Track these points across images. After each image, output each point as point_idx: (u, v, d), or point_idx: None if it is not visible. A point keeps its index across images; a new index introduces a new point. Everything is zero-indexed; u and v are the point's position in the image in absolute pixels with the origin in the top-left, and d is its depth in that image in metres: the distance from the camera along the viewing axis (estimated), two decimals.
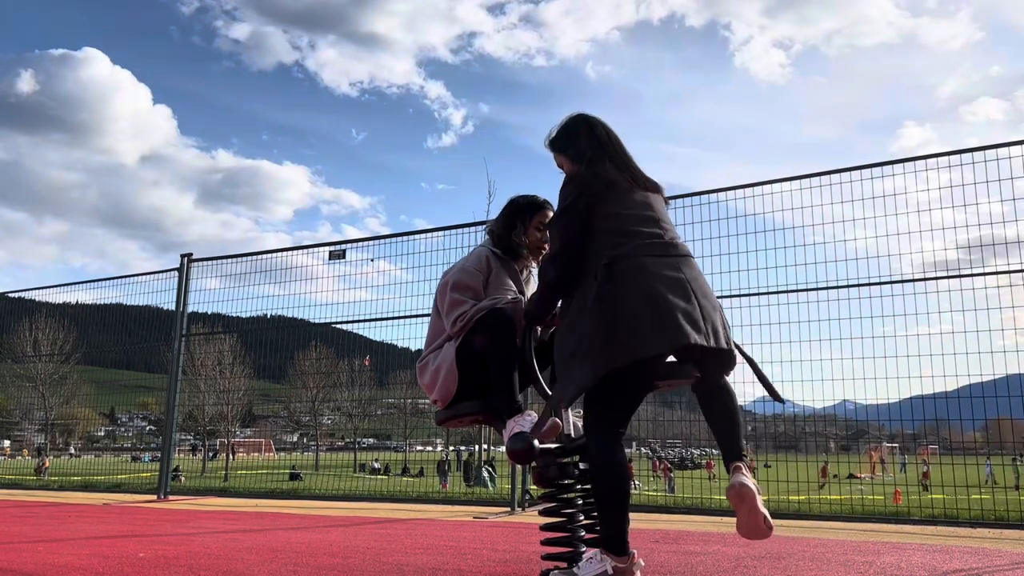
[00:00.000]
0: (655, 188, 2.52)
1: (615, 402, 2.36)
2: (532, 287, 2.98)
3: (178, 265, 8.07)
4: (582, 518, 2.59)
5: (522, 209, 2.91)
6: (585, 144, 2.53)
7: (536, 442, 2.46)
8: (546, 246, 2.88)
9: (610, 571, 2.30)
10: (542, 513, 2.62)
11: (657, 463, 26.74)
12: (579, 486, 2.64)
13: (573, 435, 2.64)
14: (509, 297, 2.78)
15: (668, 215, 2.53)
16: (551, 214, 2.91)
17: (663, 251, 2.32)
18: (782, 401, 2.55)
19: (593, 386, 2.26)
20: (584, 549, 2.55)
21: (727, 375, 2.47)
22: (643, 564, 2.42)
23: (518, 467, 5.96)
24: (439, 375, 2.67)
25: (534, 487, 6.46)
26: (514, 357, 2.57)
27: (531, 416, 2.50)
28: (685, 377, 2.43)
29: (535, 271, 3.06)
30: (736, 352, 2.44)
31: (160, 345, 8.61)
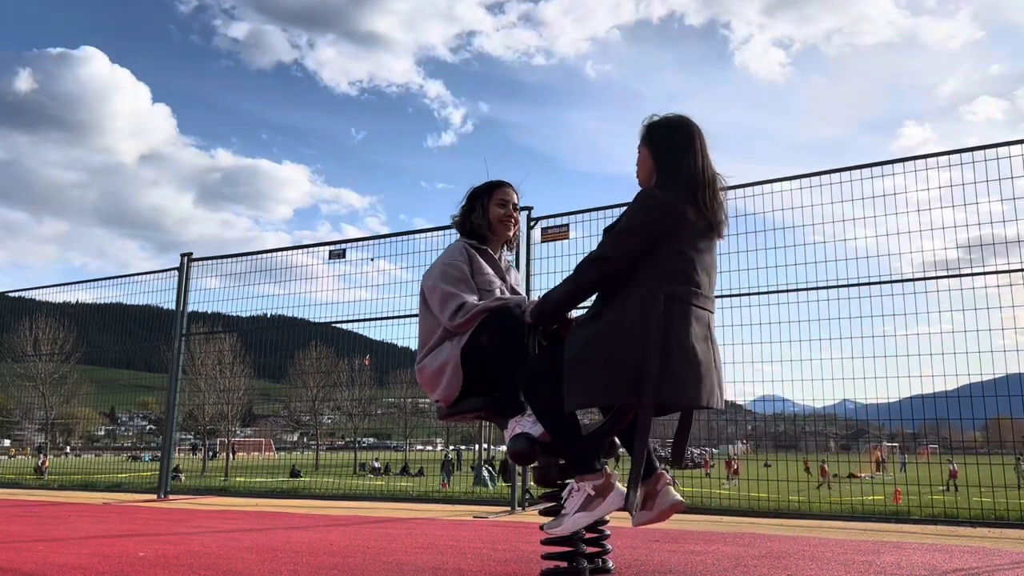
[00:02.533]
0: (721, 225, 2.41)
1: (604, 410, 2.44)
2: (512, 276, 3.00)
3: (178, 265, 8.08)
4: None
5: (479, 192, 2.95)
6: (680, 162, 2.39)
7: (538, 443, 2.47)
8: (509, 217, 2.92)
9: (592, 492, 2.38)
10: (543, 513, 2.62)
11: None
12: None
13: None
14: (500, 293, 2.80)
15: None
16: (510, 191, 2.95)
17: (705, 305, 2.35)
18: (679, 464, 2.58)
19: (612, 404, 2.30)
20: (584, 548, 2.55)
21: None
22: (618, 475, 2.48)
23: (519, 467, 5.96)
24: (443, 375, 2.66)
25: (534, 486, 6.46)
26: (519, 357, 2.56)
27: (532, 416, 2.50)
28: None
29: (513, 263, 3.08)
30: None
31: (160, 344, 8.61)
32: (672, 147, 2.42)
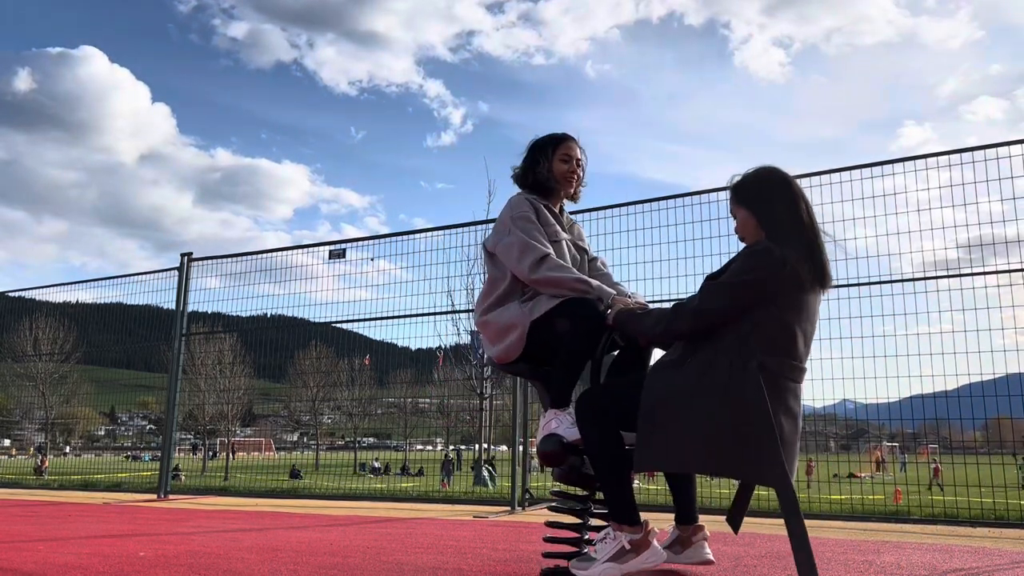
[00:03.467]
0: (828, 281, 2.30)
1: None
2: (575, 231, 2.94)
3: (178, 264, 8.08)
4: (590, 521, 2.59)
5: (543, 145, 2.86)
6: (783, 212, 2.27)
7: (567, 447, 2.44)
8: (573, 172, 2.83)
9: (627, 546, 2.27)
10: (551, 509, 2.61)
11: None
12: (595, 496, 2.63)
13: None
14: (566, 248, 2.74)
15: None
16: (574, 145, 2.86)
17: (798, 378, 2.25)
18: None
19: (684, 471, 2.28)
20: (586, 549, 2.55)
21: None
22: (657, 532, 2.41)
23: (518, 467, 5.96)
24: (507, 337, 2.61)
25: (534, 486, 6.46)
26: (588, 354, 2.53)
27: (571, 416, 2.47)
28: None
29: (579, 227, 3.01)
30: None
31: (160, 344, 8.61)
32: (764, 194, 2.32)
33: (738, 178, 2.40)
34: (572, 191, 2.90)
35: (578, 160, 2.87)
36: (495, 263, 2.75)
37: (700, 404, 2.16)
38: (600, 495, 2.63)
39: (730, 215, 2.43)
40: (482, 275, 2.85)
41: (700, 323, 2.24)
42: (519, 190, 2.90)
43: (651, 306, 2.58)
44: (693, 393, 2.19)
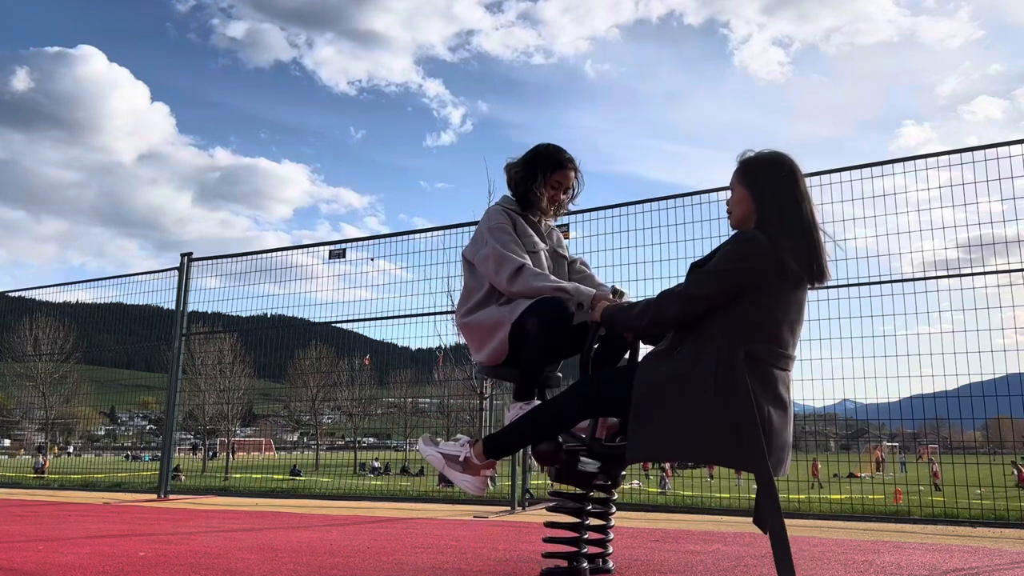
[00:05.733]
0: (822, 278, 2.26)
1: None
2: (555, 238, 2.99)
3: (178, 264, 8.08)
4: (589, 520, 2.59)
5: (544, 161, 2.85)
6: (784, 204, 2.23)
7: (563, 446, 2.47)
8: (557, 202, 2.87)
9: (462, 458, 2.53)
10: (549, 510, 2.61)
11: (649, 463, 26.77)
12: (593, 493, 2.63)
13: (603, 439, 2.60)
14: (543, 257, 2.80)
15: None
16: (570, 175, 2.87)
17: (786, 365, 2.25)
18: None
19: (672, 461, 2.26)
20: (586, 549, 2.55)
21: None
22: (494, 475, 2.69)
23: (518, 467, 5.96)
24: (491, 340, 2.67)
25: (533, 486, 6.46)
26: (551, 352, 2.60)
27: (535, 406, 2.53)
28: None
29: (556, 230, 3.06)
30: None
31: (160, 344, 8.61)
32: (769, 177, 2.26)
33: (750, 154, 2.34)
34: (551, 213, 2.95)
35: (567, 188, 2.91)
36: (473, 272, 2.80)
37: (689, 395, 2.17)
38: (596, 493, 2.64)
39: (729, 187, 2.38)
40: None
41: (687, 310, 2.22)
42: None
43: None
44: (682, 384, 2.19)
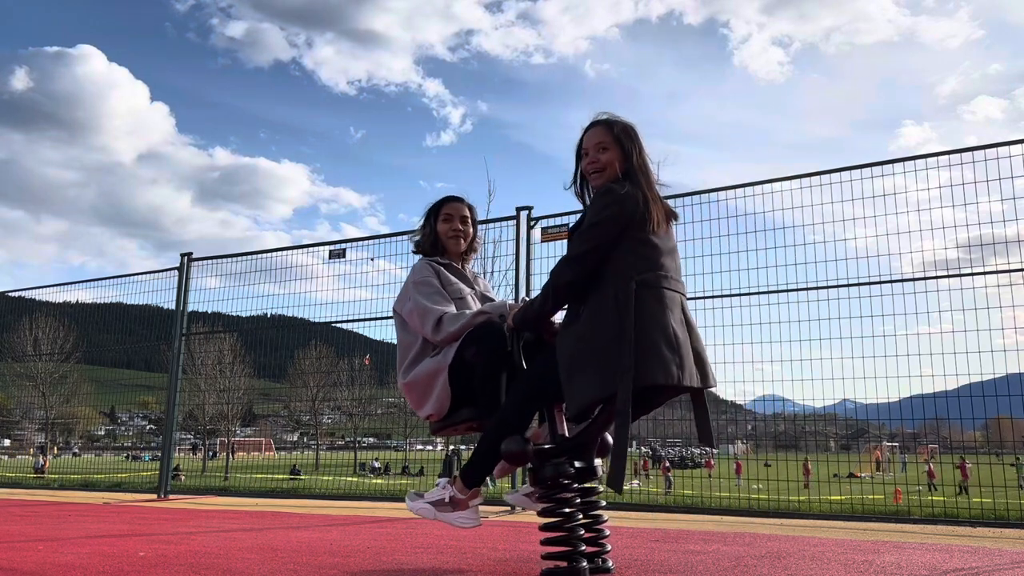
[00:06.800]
0: (674, 216, 2.61)
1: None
2: (481, 284, 3.09)
3: (178, 264, 8.08)
4: (580, 516, 2.59)
5: (430, 209, 3.07)
6: (640, 159, 2.57)
7: (531, 444, 2.51)
8: (456, 233, 3.00)
9: (447, 499, 2.63)
10: (540, 514, 2.62)
11: (648, 463, 26.80)
12: (575, 485, 2.64)
13: (568, 435, 2.65)
14: (471, 301, 2.89)
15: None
16: (455, 205, 3.04)
17: (676, 288, 2.46)
18: (711, 445, 2.63)
19: (604, 397, 2.33)
20: (583, 548, 2.55)
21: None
22: (481, 501, 2.72)
23: (518, 468, 5.95)
24: (432, 391, 2.74)
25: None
26: (503, 367, 2.65)
27: None
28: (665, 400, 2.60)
29: (482, 276, 3.21)
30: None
31: (160, 344, 8.61)
32: (632, 139, 2.59)
33: (607, 116, 2.64)
34: (463, 248, 3.05)
35: (463, 218, 3.03)
36: (404, 327, 2.90)
37: (598, 337, 2.35)
38: (586, 483, 2.66)
39: (587, 147, 2.61)
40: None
41: (579, 269, 2.44)
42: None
43: None
44: (592, 331, 2.38)
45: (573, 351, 2.40)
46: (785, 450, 7.45)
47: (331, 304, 7.69)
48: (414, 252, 3.10)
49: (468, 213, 3.05)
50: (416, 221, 3.17)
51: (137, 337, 9.84)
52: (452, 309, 2.78)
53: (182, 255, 8.08)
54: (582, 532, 2.57)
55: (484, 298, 3.04)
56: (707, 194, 5.77)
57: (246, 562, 3.06)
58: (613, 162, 2.57)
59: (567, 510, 2.56)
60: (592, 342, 2.36)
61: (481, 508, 2.76)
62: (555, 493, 2.56)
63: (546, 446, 2.59)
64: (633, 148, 2.57)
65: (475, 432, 2.95)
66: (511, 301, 2.88)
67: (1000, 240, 4.95)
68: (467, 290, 2.94)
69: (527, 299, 2.75)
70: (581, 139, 2.66)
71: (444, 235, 3.01)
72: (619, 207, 2.42)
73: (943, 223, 5.08)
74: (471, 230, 3.06)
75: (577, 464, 2.61)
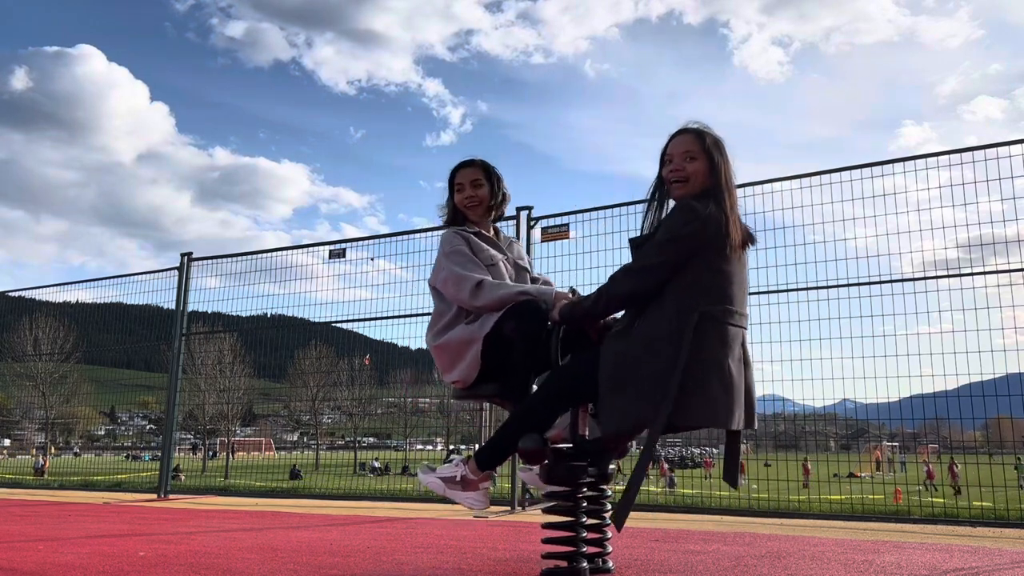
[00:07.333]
0: (751, 241, 2.48)
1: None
2: (515, 250, 3.04)
3: (178, 264, 8.08)
4: (586, 519, 2.59)
5: (449, 180, 3.03)
6: (728, 174, 2.42)
7: (548, 443, 2.49)
8: (471, 199, 2.93)
9: (459, 477, 2.59)
10: (544, 511, 2.62)
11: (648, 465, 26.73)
12: (586, 489, 2.63)
13: (588, 435, 2.63)
14: (503, 268, 2.85)
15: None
16: (463, 171, 2.97)
17: (740, 323, 2.35)
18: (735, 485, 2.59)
19: (646, 427, 2.27)
20: (585, 548, 2.54)
21: None
22: (491, 484, 2.69)
23: (518, 468, 5.95)
24: (462, 359, 2.69)
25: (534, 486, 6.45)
26: (538, 351, 2.61)
27: None
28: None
29: (516, 242, 3.12)
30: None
31: (160, 344, 8.61)
32: (725, 159, 2.44)
33: (697, 125, 2.49)
34: (483, 213, 2.98)
35: (472, 181, 2.94)
36: (441, 298, 2.86)
37: (647, 361, 2.25)
38: (589, 491, 2.64)
39: (672, 153, 2.45)
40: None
41: (640, 284, 2.33)
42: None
43: None
44: (642, 353, 2.27)
45: (619, 368, 2.31)
46: (785, 450, 7.45)
47: (331, 304, 7.70)
48: (444, 225, 3.06)
49: (478, 175, 2.95)
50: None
51: (137, 337, 9.84)
52: (489, 277, 2.73)
53: (182, 255, 8.08)
54: (584, 533, 2.57)
55: (517, 266, 2.98)
56: None
57: (246, 562, 3.06)
58: (698, 173, 2.42)
59: (573, 511, 2.56)
60: (639, 367, 2.26)
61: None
62: (564, 494, 2.56)
63: (564, 447, 2.55)
64: (722, 162, 2.42)
65: (496, 404, 2.93)
66: (559, 289, 2.81)
67: (1000, 240, 4.95)
68: (499, 256, 2.88)
69: (575, 291, 2.69)
70: (667, 145, 2.50)
71: (461, 205, 2.95)
72: (701, 226, 2.27)
73: (943, 223, 5.08)
74: (485, 191, 2.95)
75: (591, 470, 2.58)
